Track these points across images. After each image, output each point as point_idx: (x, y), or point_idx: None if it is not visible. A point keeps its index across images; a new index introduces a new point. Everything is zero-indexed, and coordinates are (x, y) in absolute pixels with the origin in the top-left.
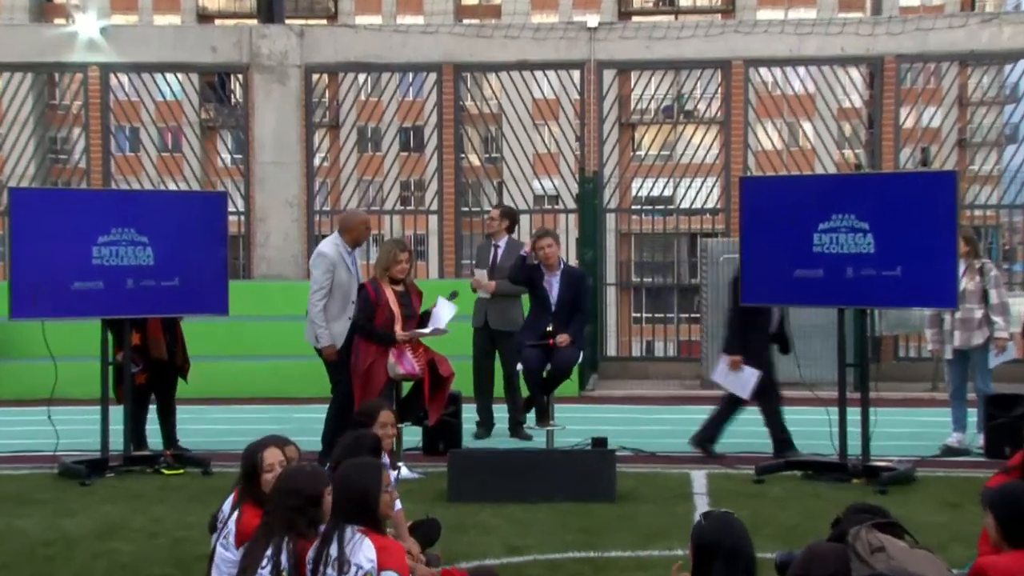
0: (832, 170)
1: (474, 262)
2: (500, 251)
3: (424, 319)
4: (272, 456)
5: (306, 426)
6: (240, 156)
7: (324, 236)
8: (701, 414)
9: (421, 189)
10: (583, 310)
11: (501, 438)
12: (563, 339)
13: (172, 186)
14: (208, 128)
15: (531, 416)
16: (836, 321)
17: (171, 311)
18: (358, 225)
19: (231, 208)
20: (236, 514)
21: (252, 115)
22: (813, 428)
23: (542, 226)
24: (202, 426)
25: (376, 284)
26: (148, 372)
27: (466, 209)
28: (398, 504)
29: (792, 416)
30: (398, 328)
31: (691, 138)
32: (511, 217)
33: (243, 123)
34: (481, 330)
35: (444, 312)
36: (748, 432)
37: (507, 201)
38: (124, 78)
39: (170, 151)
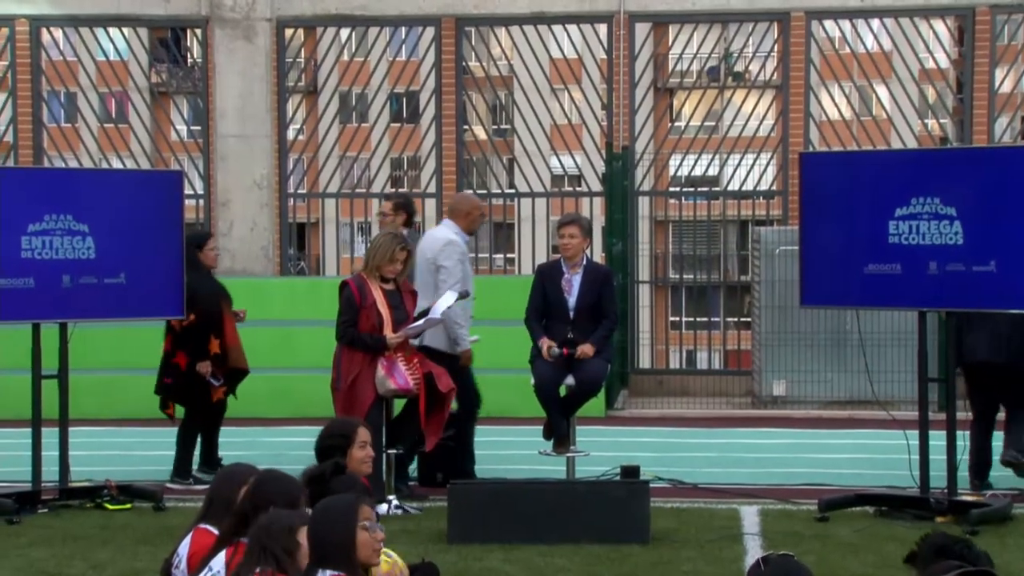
0: (912, 144)
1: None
2: None
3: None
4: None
5: (278, 453)
6: (198, 128)
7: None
8: (753, 438)
9: (416, 167)
10: (610, 314)
11: (512, 465)
12: (586, 350)
13: (117, 164)
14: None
15: (546, 442)
16: (916, 326)
17: (116, 314)
18: (472, 209)
19: (188, 190)
20: (188, 538)
21: (212, 78)
22: (888, 455)
23: (566, 212)
24: (151, 452)
25: (361, 282)
26: (226, 385)
27: (470, 192)
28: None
29: (864, 441)
30: (388, 331)
31: (741, 106)
32: (407, 209)
33: (202, 88)
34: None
35: (442, 303)
36: (808, 460)
37: (519, 182)
38: (58, 33)
39: (114, 122)
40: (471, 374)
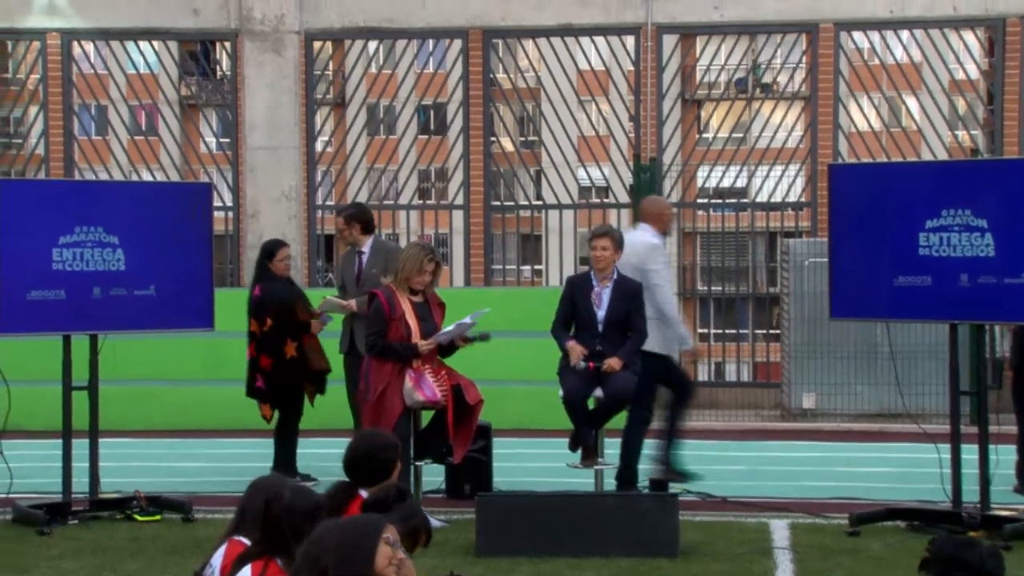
0: (942, 155)
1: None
2: (365, 258)
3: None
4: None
5: (306, 465)
6: (227, 140)
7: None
8: (782, 451)
9: (443, 179)
10: (639, 328)
11: (540, 478)
12: (614, 363)
13: (147, 176)
14: (189, 106)
15: (573, 454)
16: (947, 339)
17: (145, 325)
18: (663, 210)
19: (217, 202)
20: (221, 549)
21: (241, 91)
22: (920, 469)
23: (596, 224)
24: (179, 463)
25: (389, 293)
26: (314, 386)
27: (497, 203)
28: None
29: (895, 455)
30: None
31: (769, 117)
32: (360, 218)
33: (231, 100)
34: (350, 356)
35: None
36: (838, 473)
37: (547, 194)
38: (89, 47)
39: (144, 134)
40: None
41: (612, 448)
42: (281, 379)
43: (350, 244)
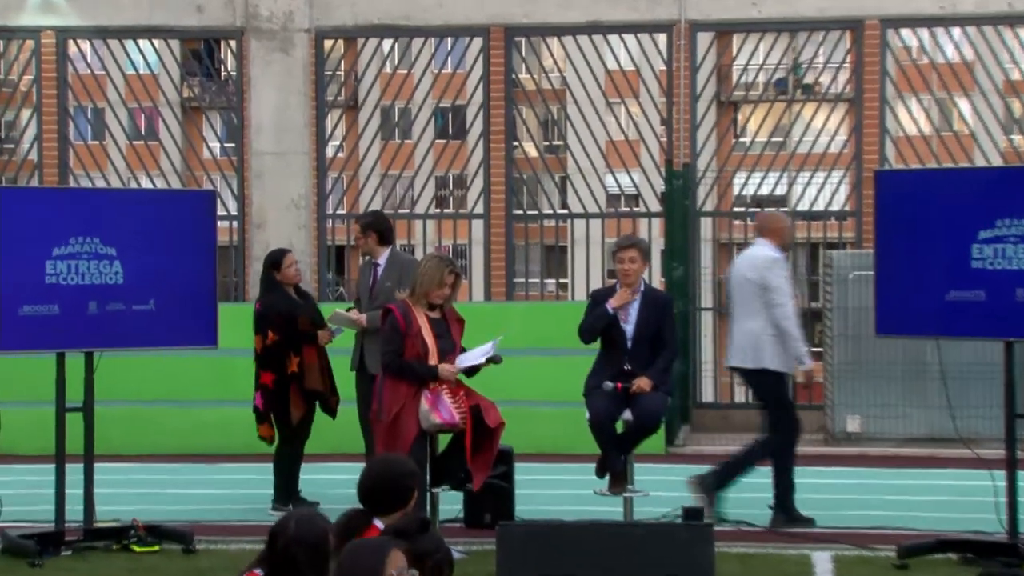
0: (997, 161)
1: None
2: (380, 270)
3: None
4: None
5: (316, 491)
6: (232, 145)
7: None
8: (825, 478)
9: (462, 186)
10: (670, 344)
11: (565, 506)
12: (643, 383)
13: (146, 183)
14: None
15: (601, 480)
16: (1002, 358)
17: (145, 342)
18: (783, 226)
19: (220, 211)
20: None
21: (247, 92)
22: (973, 497)
23: (623, 234)
24: (181, 490)
25: (405, 308)
26: (305, 407)
27: (519, 212)
28: None
29: (946, 482)
30: (433, 361)
31: (811, 120)
32: (377, 228)
33: (236, 103)
34: (360, 376)
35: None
36: (885, 502)
37: (572, 202)
38: (86, 46)
39: (144, 138)
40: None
41: (642, 474)
42: (282, 396)
43: (365, 255)
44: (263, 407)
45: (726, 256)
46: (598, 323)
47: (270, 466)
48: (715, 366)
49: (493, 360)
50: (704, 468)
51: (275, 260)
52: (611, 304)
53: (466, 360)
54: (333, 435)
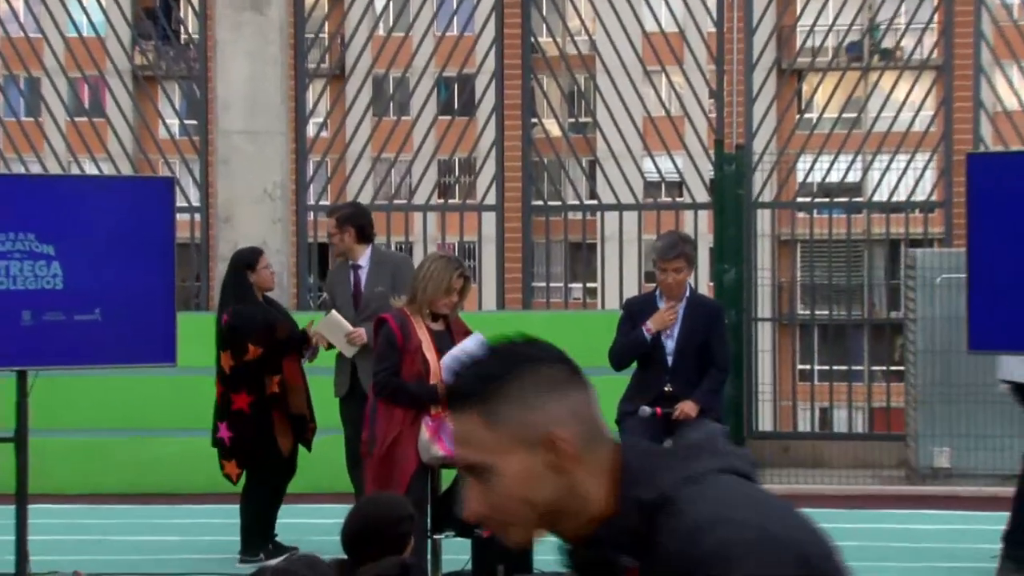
0: None
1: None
2: (363, 274)
3: None
4: None
5: (296, 538)
6: (194, 123)
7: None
8: (908, 522)
9: (470, 172)
10: (720, 362)
11: None
12: (687, 408)
13: (91, 169)
14: (146, 79)
15: None
16: None
17: (90, 359)
18: None
19: (180, 202)
20: None
21: (213, 59)
22: None
23: (664, 232)
24: (133, 536)
25: (403, 320)
26: (292, 435)
27: (539, 203)
28: None
29: None
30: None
31: (891, 92)
32: (357, 222)
33: (199, 72)
34: (348, 400)
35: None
36: (977, 551)
37: (603, 192)
38: (18, 4)
39: (88, 114)
40: None
41: None
42: (263, 423)
43: (341, 254)
44: (234, 437)
45: (788, 256)
46: (632, 351)
47: (230, 507)
48: (775, 388)
49: None
50: None
51: (248, 260)
52: (649, 328)
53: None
54: (311, 471)
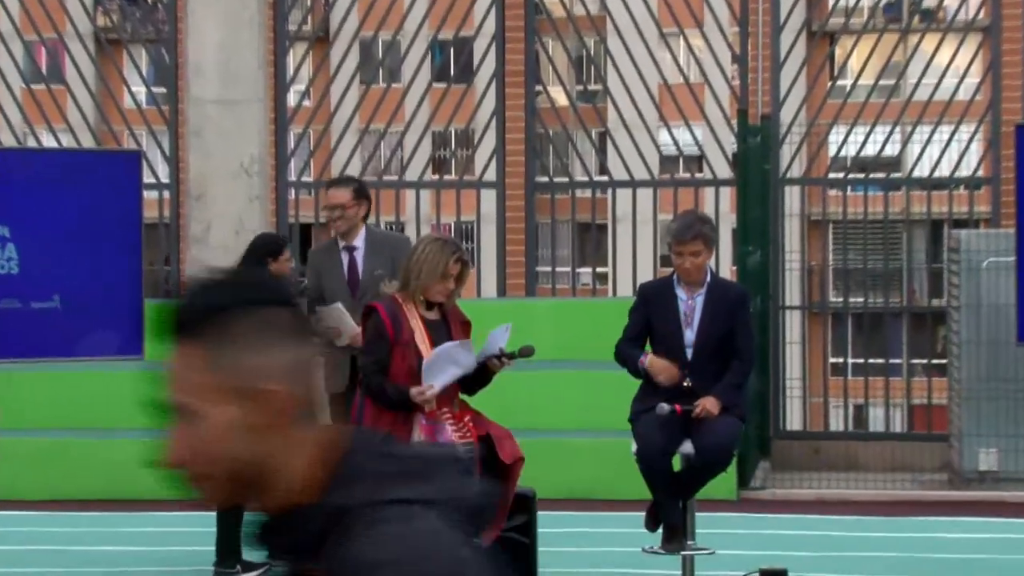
0: None
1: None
2: (359, 256)
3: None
4: None
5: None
6: (163, 90)
7: (305, 224)
8: (950, 530)
9: (467, 146)
10: (744, 354)
11: (604, 568)
12: (709, 405)
13: (49, 141)
14: (110, 43)
15: (653, 535)
16: None
17: (48, 351)
18: None
19: (148, 178)
20: None
21: (183, 21)
22: None
23: (682, 211)
24: (97, 546)
25: (394, 308)
26: None
27: (544, 180)
28: None
29: None
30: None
31: (932, 57)
32: (369, 197)
33: (168, 34)
34: (343, 398)
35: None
36: (1018, 564)
37: (615, 167)
38: None
39: (46, 81)
40: None
41: (707, 527)
42: None
43: (340, 235)
44: None
45: (819, 238)
46: (626, 366)
47: (212, 516)
48: (804, 383)
49: (523, 353)
50: (792, 518)
51: (272, 248)
52: (644, 363)
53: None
54: None
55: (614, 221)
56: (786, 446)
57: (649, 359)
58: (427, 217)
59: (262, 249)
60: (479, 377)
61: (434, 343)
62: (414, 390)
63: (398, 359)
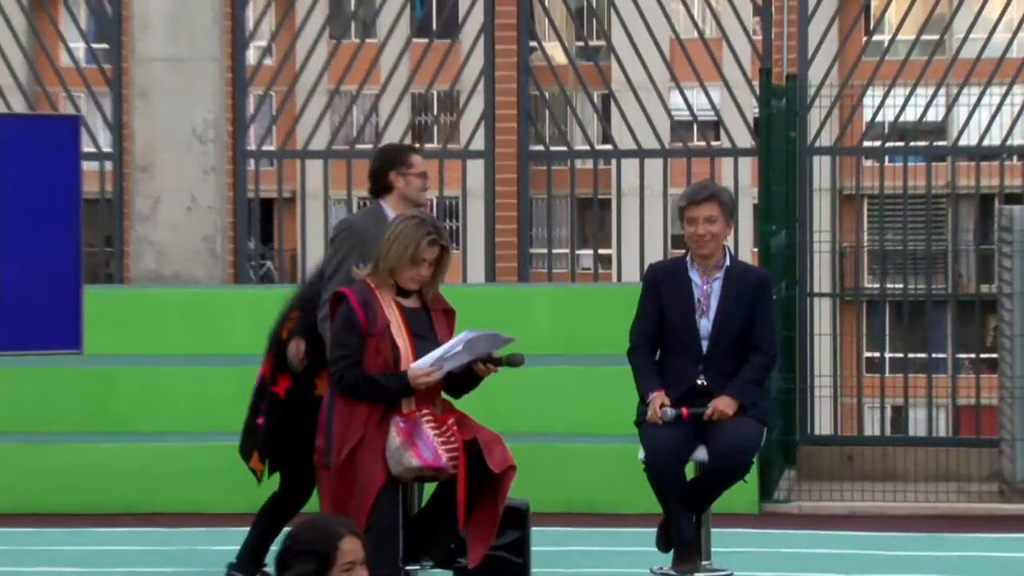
0: None
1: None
2: None
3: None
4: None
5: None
6: (105, 47)
7: (266, 199)
8: (1002, 549)
9: (452, 110)
10: (766, 347)
11: None
12: (722, 406)
13: None
14: None
15: (664, 554)
16: None
17: None
18: None
19: (87, 147)
20: None
21: None
22: None
23: (696, 182)
24: (24, 567)
25: (367, 295)
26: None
27: (539, 148)
28: None
29: None
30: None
31: (980, 10)
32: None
33: None
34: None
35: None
36: None
37: (620, 134)
38: None
39: None
40: None
41: (725, 544)
42: (297, 415)
43: (415, 200)
44: (264, 427)
45: (852, 215)
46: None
47: (161, 531)
48: (835, 381)
49: (511, 362)
50: (821, 534)
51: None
52: (654, 401)
53: (451, 354)
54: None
55: (619, 196)
56: (814, 452)
57: (653, 398)
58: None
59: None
60: (468, 378)
61: (412, 334)
62: (415, 367)
63: (372, 351)
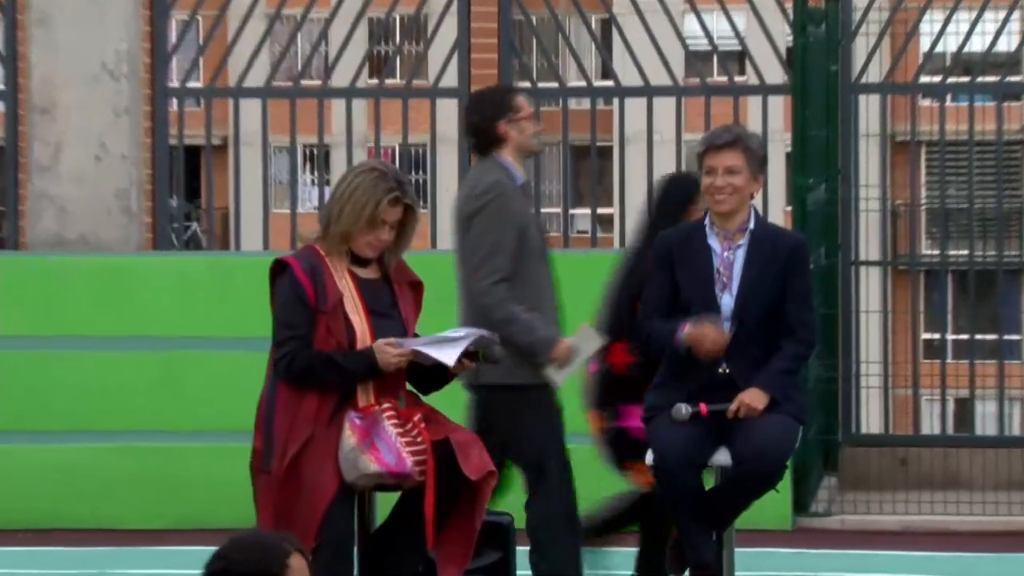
0: None
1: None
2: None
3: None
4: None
5: None
6: None
7: (192, 147)
8: None
9: (418, 39)
10: (802, 328)
11: None
12: (751, 400)
13: None
14: None
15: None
16: None
17: None
18: None
19: None
20: None
21: None
22: None
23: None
24: None
25: (314, 263)
26: None
27: (525, 85)
28: None
29: None
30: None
31: None
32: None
33: None
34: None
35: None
36: None
37: (623, 69)
38: None
39: None
40: None
41: (751, 567)
42: None
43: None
44: None
45: (904, 165)
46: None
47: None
48: (884, 369)
49: (488, 359)
50: (867, 554)
51: (691, 191)
52: (704, 347)
53: (426, 342)
54: None
55: (622, 143)
56: (860, 456)
57: (687, 330)
58: (362, 138)
59: (678, 195)
60: (434, 376)
61: (370, 311)
62: (379, 347)
63: (322, 332)
